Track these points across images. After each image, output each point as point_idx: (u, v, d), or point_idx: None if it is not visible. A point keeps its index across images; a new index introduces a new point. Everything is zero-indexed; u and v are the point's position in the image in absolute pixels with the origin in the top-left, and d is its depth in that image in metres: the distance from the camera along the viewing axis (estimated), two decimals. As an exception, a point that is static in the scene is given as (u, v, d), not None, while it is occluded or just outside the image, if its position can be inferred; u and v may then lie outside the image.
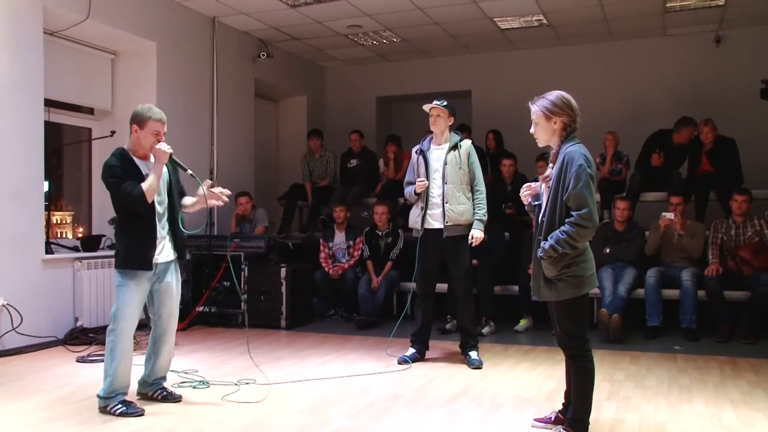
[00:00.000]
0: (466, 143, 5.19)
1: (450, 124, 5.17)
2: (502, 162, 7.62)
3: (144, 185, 3.72)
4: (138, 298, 3.83)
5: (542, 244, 3.25)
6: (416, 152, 5.27)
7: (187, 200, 4.13)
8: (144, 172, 3.81)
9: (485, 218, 5.12)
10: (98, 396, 3.81)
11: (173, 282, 4.00)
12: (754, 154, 7.32)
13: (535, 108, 3.36)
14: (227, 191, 4.12)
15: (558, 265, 3.23)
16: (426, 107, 5.15)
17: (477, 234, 5.03)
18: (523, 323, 6.58)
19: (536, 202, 3.50)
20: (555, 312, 3.38)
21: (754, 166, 7.21)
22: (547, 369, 4.97)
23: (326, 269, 7.40)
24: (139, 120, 3.81)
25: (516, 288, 6.78)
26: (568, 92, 3.37)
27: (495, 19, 7.96)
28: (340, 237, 7.60)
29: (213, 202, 4.07)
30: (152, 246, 3.83)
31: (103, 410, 3.77)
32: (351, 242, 7.51)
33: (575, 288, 3.26)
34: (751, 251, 6.22)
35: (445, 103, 5.10)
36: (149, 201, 3.74)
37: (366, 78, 10.09)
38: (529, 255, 6.56)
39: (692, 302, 6.13)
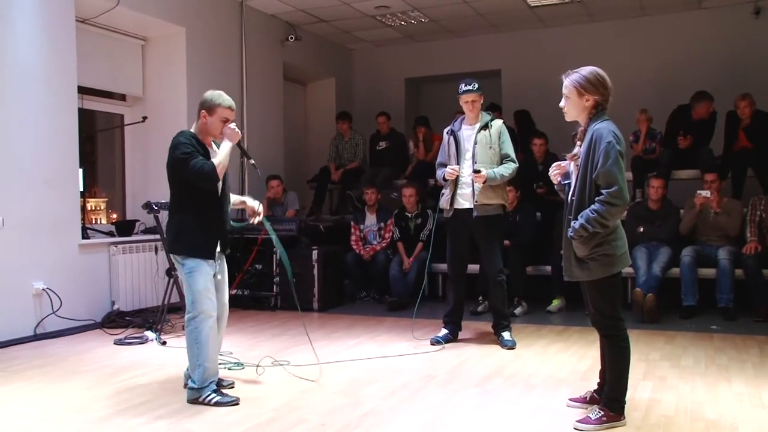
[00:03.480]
0: (497, 122, 5.13)
1: (481, 103, 5.12)
2: (532, 141, 7.53)
3: (215, 160, 3.65)
4: (211, 280, 3.74)
5: (572, 223, 3.21)
6: (447, 133, 5.23)
7: (233, 198, 4.08)
8: (211, 157, 3.75)
9: (500, 173, 4.96)
10: (191, 388, 3.71)
11: (224, 271, 3.95)
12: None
13: (568, 82, 3.28)
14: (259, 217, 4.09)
15: (589, 244, 3.19)
16: (461, 98, 5.06)
17: (483, 171, 4.90)
18: (555, 303, 6.54)
19: (566, 181, 3.44)
20: (588, 292, 3.34)
21: (794, 142, 7.02)
22: (580, 349, 4.93)
23: (357, 251, 7.42)
24: (208, 106, 3.75)
25: (548, 268, 6.73)
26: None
27: (524, -4, 7.84)
28: (371, 219, 7.61)
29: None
30: (218, 234, 3.77)
31: (194, 401, 3.67)
32: (382, 224, 7.51)
33: (607, 267, 3.22)
34: (791, 229, 6.08)
35: (477, 86, 5.04)
36: (220, 177, 3.66)
37: (394, 59, 10.03)
38: (560, 235, 6.55)
39: (729, 281, 6.01)
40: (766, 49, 7.99)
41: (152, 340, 5.33)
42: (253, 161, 4.01)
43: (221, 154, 3.70)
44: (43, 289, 5.56)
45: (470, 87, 5.03)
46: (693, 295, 6.11)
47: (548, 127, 7.66)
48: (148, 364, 4.56)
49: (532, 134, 7.70)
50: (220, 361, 4.49)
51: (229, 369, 4.40)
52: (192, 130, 3.83)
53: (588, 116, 3.26)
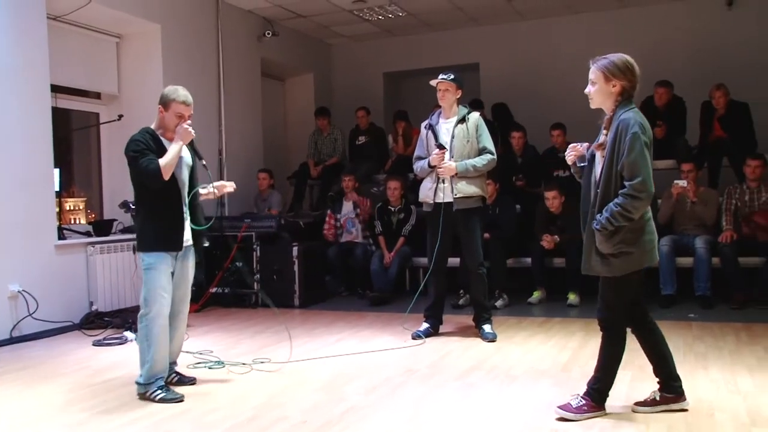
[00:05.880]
0: (474, 116, 5.13)
1: (458, 97, 5.11)
2: (511, 134, 7.56)
3: (161, 161, 3.67)
4: (167, 279, 3.77)
5: (597, 216, 3.15)
6: (425, 127, 5.23)
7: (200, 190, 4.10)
8: None
9: (472, 164, 4.98)
10: (137, 383, 3.78)
11: (190, 266, 3.98)
12: (767, 118, 7.21)
13: (595, 67, 3.23)
14: (232, 183, 4.16)
15: (613, 240, 3.12)
16: (433, 82, 5.09)
17: (450, 164, 4.95)
18: (536, 295, 6.58)
19: (581, 164, 3.41)
20: (601, 282, 3.26)
21: (768, 131, 7.11)
22: (561, 340, 4.96)
23: (328, 239, 7.49)
24: (164, 101, 3.78)
25: (528, 260, 6.75)
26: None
27: (501, -11, 7.84)
28: (348, 207, 7.61)
29: (223, 191, 4.13)
30: (182, 227, 3.82)
31: (143, 396, 3.73)
32: (358, 209, 7.53)
33: (629, 264, 3.15)
34: (766, 216, 6.15)
35: (452, 76, 5.04)
36: (165, 178, 3.67)
37: (373, 54, 10.01)
38: (541, 227, 6.58)
39: (706, 269, 6.08)
40: (738, 39, 8.07)
41: (131, 340, 5.27)
42: (204, 162, 3.98)
43: (169, 155, 3.71)
44: (19, 292, 5.48)
45: (444, 76, 5.04)
46: (671, 285, 6.18)
47: (526, 120, 7.69)
48: (128, 365, 4.50)
49: (511, 127, 7.73)
50: (200, 361, 4.50)
51: (210, 368, 4.38)
52: (153, 125, 3.85)
53: (614, 103, 3.21)
